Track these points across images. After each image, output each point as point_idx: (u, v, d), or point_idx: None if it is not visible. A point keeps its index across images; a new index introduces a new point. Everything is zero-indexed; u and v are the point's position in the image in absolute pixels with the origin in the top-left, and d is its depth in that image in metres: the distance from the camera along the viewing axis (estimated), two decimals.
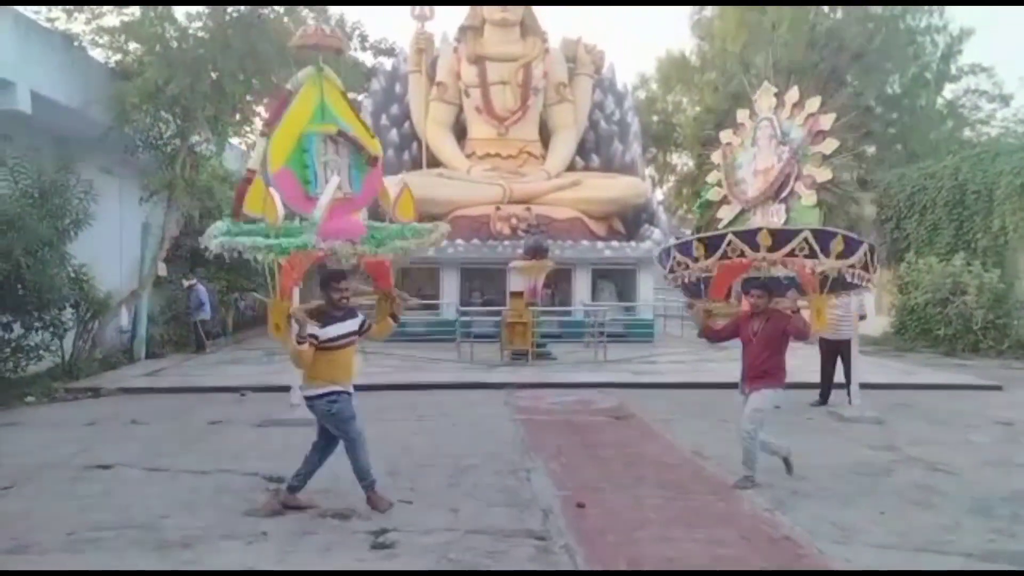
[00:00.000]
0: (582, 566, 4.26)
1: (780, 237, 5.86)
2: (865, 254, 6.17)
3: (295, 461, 6.18)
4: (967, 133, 24.34)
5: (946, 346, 14.81)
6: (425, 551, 4.45)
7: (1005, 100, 25.77)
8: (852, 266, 6.13)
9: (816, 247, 5.81)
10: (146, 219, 13.69)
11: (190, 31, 12.56)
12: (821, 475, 6.15)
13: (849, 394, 8.80)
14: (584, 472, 6.23)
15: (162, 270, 13.84)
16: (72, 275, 10.82)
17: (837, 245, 5.90)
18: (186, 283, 14.38)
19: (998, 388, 10.61)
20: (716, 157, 11.77)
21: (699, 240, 6.18)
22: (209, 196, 13.70)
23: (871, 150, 25.07)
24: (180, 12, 12.61)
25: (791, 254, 5.82)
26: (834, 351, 9.16)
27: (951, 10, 23.76)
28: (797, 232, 5.92)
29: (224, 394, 10.02)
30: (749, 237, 5.87)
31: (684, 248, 6.30)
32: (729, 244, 5.85)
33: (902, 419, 8.48)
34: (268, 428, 7.89)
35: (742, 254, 5.84)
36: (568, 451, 6.96)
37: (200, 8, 12.60)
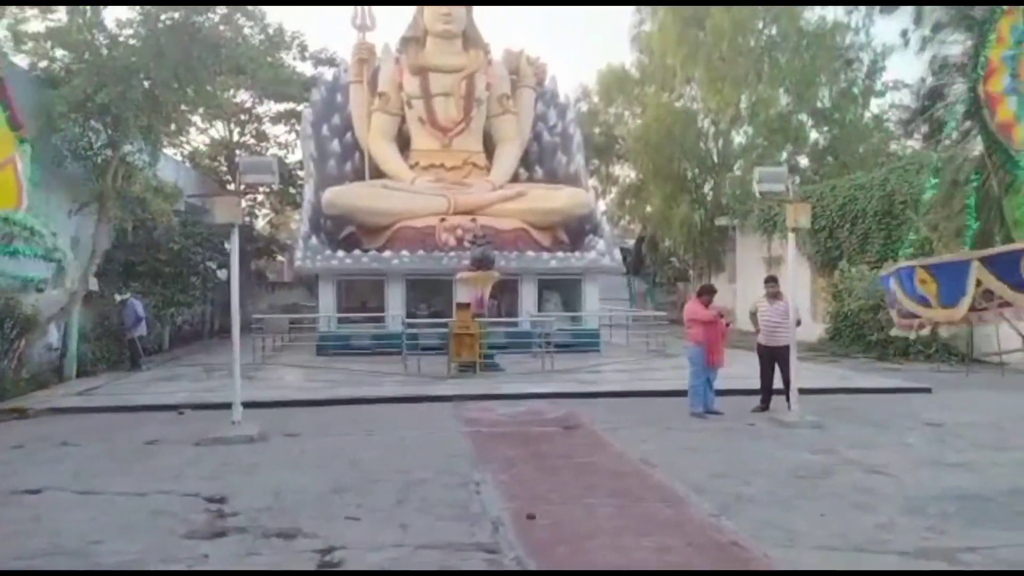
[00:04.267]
0: None
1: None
2: None
3: (235, 481, 6.02)
4: (893, 146, 25.42)
5: (878, 351, 15.36)
6: (374, 568, 4.37)
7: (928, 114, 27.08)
8: None
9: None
10: (75, 232, 13.15)
11: (121, 38, 12.16)
12: (764, 480, 6.28)
13: (788, 400, 9.04)
14: (534, 483, 6.22)
15: (93, 285, 13.31)
16: None
17: None
18: (119, 297, 13.85)
19: (928, 391, 11.06)
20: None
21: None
22: (142, 207, 13.26)
23: (804, 162, 26.03)
24: (110, 18, 12.22)
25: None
26: (772, 357, 9.40)
27: (875, 28, 24.90)
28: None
29: (161, 412, 9.66)
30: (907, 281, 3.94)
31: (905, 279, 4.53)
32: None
33: (840, 423, 8.74)
34: (207, 447, 7.63)
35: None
36: (518, 462, 6.94)
37: (131, 14, 12.24)
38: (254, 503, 5.58)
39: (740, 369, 10.57)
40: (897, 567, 4.35)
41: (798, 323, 9.45)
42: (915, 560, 4.44)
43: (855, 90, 25.05)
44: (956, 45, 10.58)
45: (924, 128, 12.11)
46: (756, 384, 9.62)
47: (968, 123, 9.93)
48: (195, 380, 12.52)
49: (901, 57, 27.24)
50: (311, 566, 4.40)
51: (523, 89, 20.09)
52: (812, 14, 24.52)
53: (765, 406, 9.42)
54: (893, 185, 16.68)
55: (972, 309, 4.06)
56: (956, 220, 11.29)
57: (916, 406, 9.92)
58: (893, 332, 4.89)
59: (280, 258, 29.94)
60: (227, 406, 8.36)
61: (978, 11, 9.23)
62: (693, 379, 9.26)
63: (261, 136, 26.30)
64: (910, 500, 5.62)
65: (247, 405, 8.56)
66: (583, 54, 62.98)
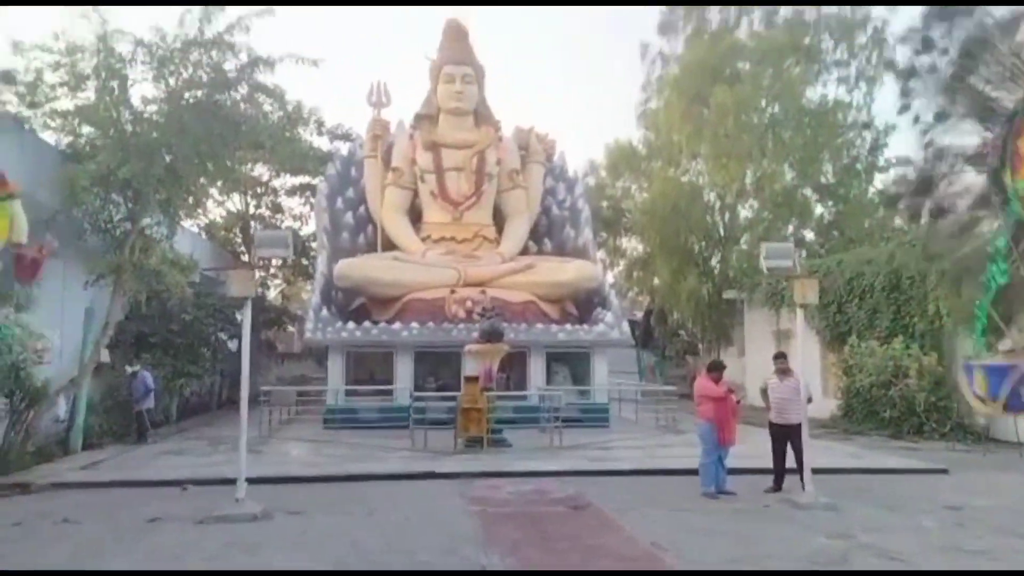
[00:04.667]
0: None
1: None
2: None
3: (237, 562, 5.93)
4: (898, 221, 25.63)
5: (892, 428, 15.11)
6: None
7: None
8: None
9: None
10: (90, 303, 13.31)
11: (145, 115, 12.59)
12: (778, 566, 6.12)
13: (802, 480, 8.86)
14: (541, 567, 6.08)
15: (104, 356, 13.38)
16: (11, 363, 10.37)
17: None
18: (130, 369, 13.89)
19: (944, 472, 10.82)
20: None
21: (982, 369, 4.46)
22: (158, 279, 13.46)
23: (810, 236, 26.24)
24: (136, 96, 12.68)
25: None
26: (784, 435, 9.27)
27: (876, 108, 25.46)
28: None
29: (165, 488, 9.55)
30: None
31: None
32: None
33: (855, 505, 8.55)
34: (210, 525, 7.52)
35: None
36: (525, 545, 6.80)
37: (156, 92, 12.69)
38: None
39: (752, 447, 10.41)
40: None
41: (809, 400, 9.36)
42: None
43: (858, 166, 25.45)
44: (970, 135, 10.25)
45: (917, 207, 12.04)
46: (768, 463, 9.46)
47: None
48: (201, 454, 12.42)
49: (904, 134, 27.86)
50: None
51: (533, 164, 20.54)
52: (814, 92, 25.20)
53: (778, 487, 9.24)
54: (900, 260, 16.74)
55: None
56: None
57: (933, 488, 9.70)
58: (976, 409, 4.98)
59: (291, 328, 30.08)
60: (232, 482, 8.28)
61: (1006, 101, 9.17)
62: (704, 457, 9.12)
63: (276, 208, 26.83)
64: None
65: (252, 481, 8.47)
66: (591, 130, 64.57)
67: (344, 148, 23.08)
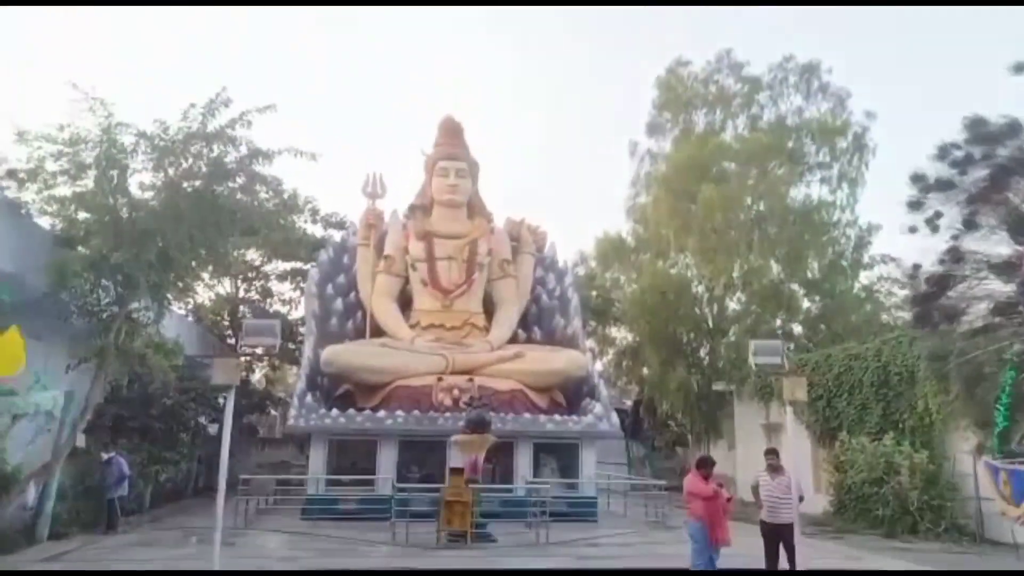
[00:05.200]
0: None
1: None
2: None
3: None
4: (884, 317, 25.92)
5: (886, 527, 14.76)
6: None
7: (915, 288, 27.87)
8: None
9: None
10: (70, 386, 13.08)
11: (142, 202, 12.75)
12: None
13: None
14: None
15: (81, 441, 13.04)
16: None
17: None
18: (104, 455, 13.51)
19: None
20: None
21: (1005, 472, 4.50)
22: (141, 363, 13.30)
23: (797, 329, 26.42)
24: (134, 183, 12.87)
25: None
26: (776, 535, 9.03)
27: (860, 207, 26.21)
28: None
29: None
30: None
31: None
32: None
33: None
34: None
35: None
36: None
37: (154, 180, 12.90)
38: None
39: (744, 547, 10.08)
40: None
41: (800, 499, 9.17)
42: None
43: (843, 263, 25.95)
44: (998, 245, 10.48)
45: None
46: (760, 562, 9.17)
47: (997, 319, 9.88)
48: (172, 546, 11.94)
49: (886, 233, 28.70)
50: None
51: (523, 255, 20.85)
52: (798, 192, 25.98)
53: None
54: (887, 356, 16.82)
55: None
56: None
57: None
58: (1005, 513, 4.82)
59: (273, 412, 29.57)
60: None
61: None
62: (695, 557, 8.83)
63: (266, 292, 26.89)
64: None
65: None
66: (581, 223, 65.93)
67: (337, 235, 23.40)
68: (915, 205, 10.56)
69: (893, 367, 16.50)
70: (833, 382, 18.09)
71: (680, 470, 25.94)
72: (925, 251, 11.06)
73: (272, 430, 30.00)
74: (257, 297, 26.67)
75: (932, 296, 10.77)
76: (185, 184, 12.69)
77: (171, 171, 12.70)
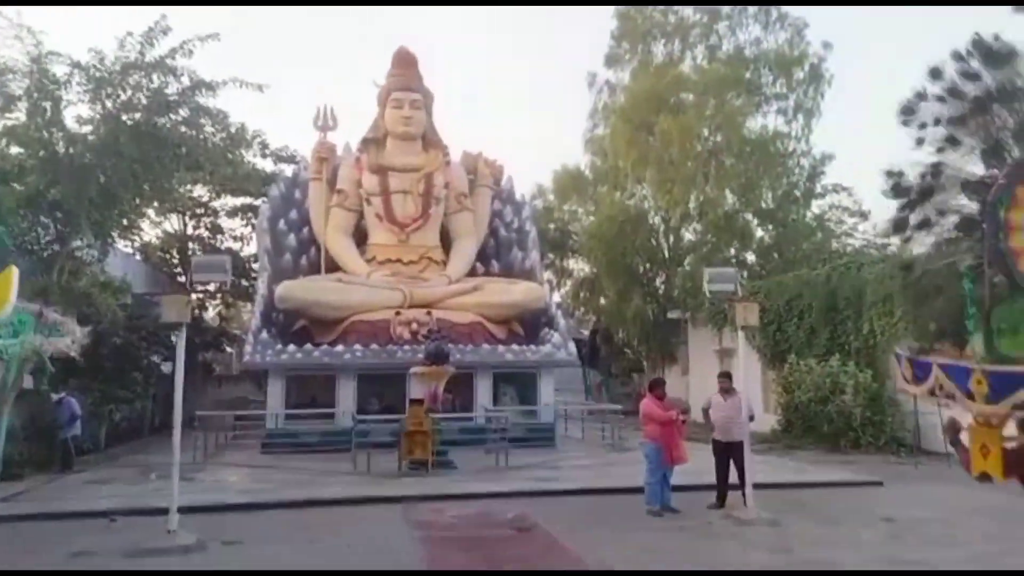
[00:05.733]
0: None
1: (1002, 382, 4.07)
2: None
3: None
4: (835, 244, 26.57)
5: (830, 442, 15.49)
6: None
7: (864, 215, 28.58)
8: None
9: None
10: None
11: (79, 136, 12.17)
12: None
13: (744, 496, 8.97)
14: None
15: (27, 382, 12.70)
16: None
17: None
18: (55, 396, 13.24)
19: (879, 484, 11.11)
20: None
21: (907, 359, 4.72)
22: (88, 303, 12.92)
23: (751, 258, 26.95)
24: (71, 116, 12.26)
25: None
26: (727, 453, 9.38)
27: (815, 137, 26.51)
28: None
29: (91, 520, 9.07)
30: (959, 377, 4.24)
31: (957, 376, 4.24)
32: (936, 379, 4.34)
33: (796, 519, 8.68)
34: (140, 559, 7.17)
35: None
36: (472, 570, 6.67)
37: (92, 114, 12.30)
38: None
39: (694, 464, 10.47)
40: None
41: (751, 418, 9.50)
42: None
43: (796, 192, 26.34)
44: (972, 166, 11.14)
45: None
46: (711, 479, 9.55)
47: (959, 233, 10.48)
48: (130, 483, 11.87)
49: (839, 163, 29.21)
50: None
51: (480, 188, 20.57)
52: (755, 123, 26.06)
53: (721, 503, 9.32)
54: (836, 282, 17.30)
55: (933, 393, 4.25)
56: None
57: (869, 500, 9.94)
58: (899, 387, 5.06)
59: (229, 350, 29.27)
60: (163, 511, 7.91)
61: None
62: (649, 476, 9.15)
63: (216, 229, 26.19)
64: None
65: (185, 510, 8.11)
66: (538, 155, 65.28)
67: (288, 170, 22.77)
68: (908, 111, 10.84)
69: (841, 292, 16.99)
70: (784, 308, 18.59)
71: (636, 395, 26.66)
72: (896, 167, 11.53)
73: (228, 368, 29.74)
74: (207, 234, 25.99)
75: (911, 205, 11.21)
76: (125, 117, 12.15)
77: (109, 103, 12.12)
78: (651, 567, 6.57)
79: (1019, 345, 4.40)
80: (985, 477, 4.26)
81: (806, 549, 7.24)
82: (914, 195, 5.65)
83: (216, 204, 25.68)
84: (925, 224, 5.23)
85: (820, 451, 15.17)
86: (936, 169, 5.78)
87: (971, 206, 5.24)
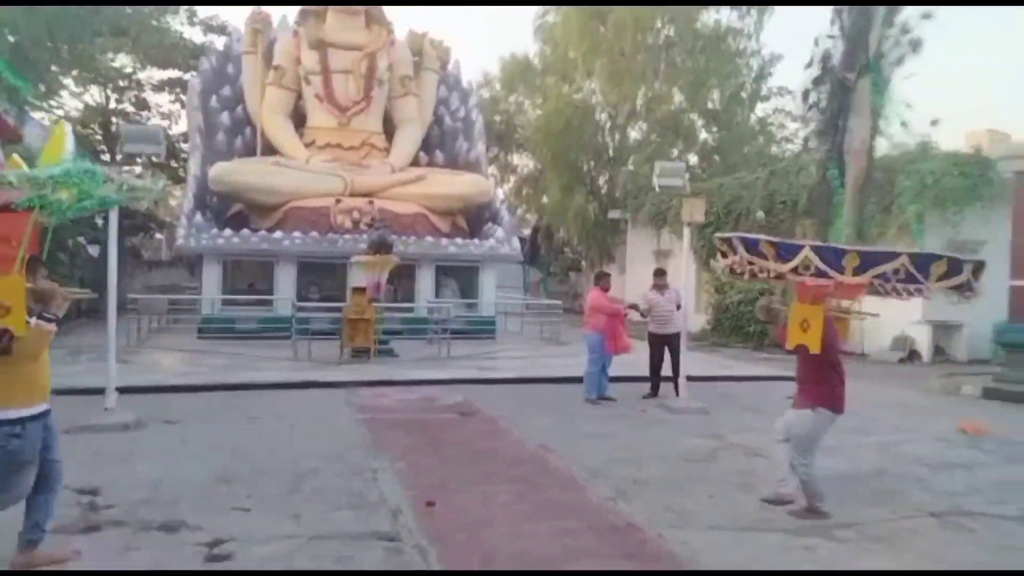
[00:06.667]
0: (435, 566, 4.18)
1: (871, 259, 5.05)
2: (970, 274, 5.15)
3: (109, 471, 5.64)
4: (775, 149, 26.94)
5: (755, 341, 16.26)
6: (266, 560, 4.17)
7: (805, 121, 28.88)
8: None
9: (914, 271, 5.02)
10: None
11: None
12: (656, 464, 6.49)
13: (677, 386, 9.40)
14: (433, 471, 6.14)
15: None
16: None
17: (939, 267, 5.08)
18: None
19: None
20: None
21: (769, 242, 5.33)
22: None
23: (693, 160, 27.13)
24: None
25: (881, 277, 5.04)
26: (663, 344, 9.73)
27: (765, 35, 26.29)
28: (894, 255, 5.06)
29: None
30: (832, 257, 5.03)
31: (750, 243, 5.43)
32: (804, 259, 5.02)
33: (723, 409, 9.17)
34: (77, 435, 7.05)
35: (820, 273, 5.00)
36: (415, 450, 6.84)
37: None
38: (131, 495, 5.21)
39: (627, 357, 10.84)
40: (780, 545, 4.59)
41: (678, 307, 9.73)
42: (796, 537, 4.70)
43: (743, 94, 26.32)
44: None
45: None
46: (643, 371, 9.93)
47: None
48: (62, 363, 11.53)
49: (785, 65, 29.22)
50: (197, 560, 4.15)
51: (426, 72, 19.79)
52: (708, 16, 25.53)
53: (654, 392, 9.75)
54: (774, 186, 17.66)
55: (796, 272, 5.05)
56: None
57: (789, 393, 10.52)
58: (717, 264, 5.63)
59: (159, 236, 28.19)
60: (99, 391, 7.76)
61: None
62: (591, 366, 9.45)
63: (142, 104, 24.52)
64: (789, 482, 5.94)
65: (121, 391, 7.97)
66: (486, 40, 62.82)
67: (219, 42, 21.29)
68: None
69: (779, 196, 17.39)
70: (723, 210, 18.93)
71: (573, 294, 27.21)
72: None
73: (158, 253, 28.76)
74: (132, 109, 24.32)
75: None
76: None
77: None
78: (590, 452, 6.86)
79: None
80: (801, 349, 5.15)
81: (733, 435, 7.69)
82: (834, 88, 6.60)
83: (142, 76, 23.93)
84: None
85: (746, 349, 15.93)
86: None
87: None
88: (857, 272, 5.01)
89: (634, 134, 26.63)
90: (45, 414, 4.02)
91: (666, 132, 25.18)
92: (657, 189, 9.75)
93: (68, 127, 5.46)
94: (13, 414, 3.80)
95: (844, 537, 4.73)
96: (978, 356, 14.25)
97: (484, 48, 64.93)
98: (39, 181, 3.82)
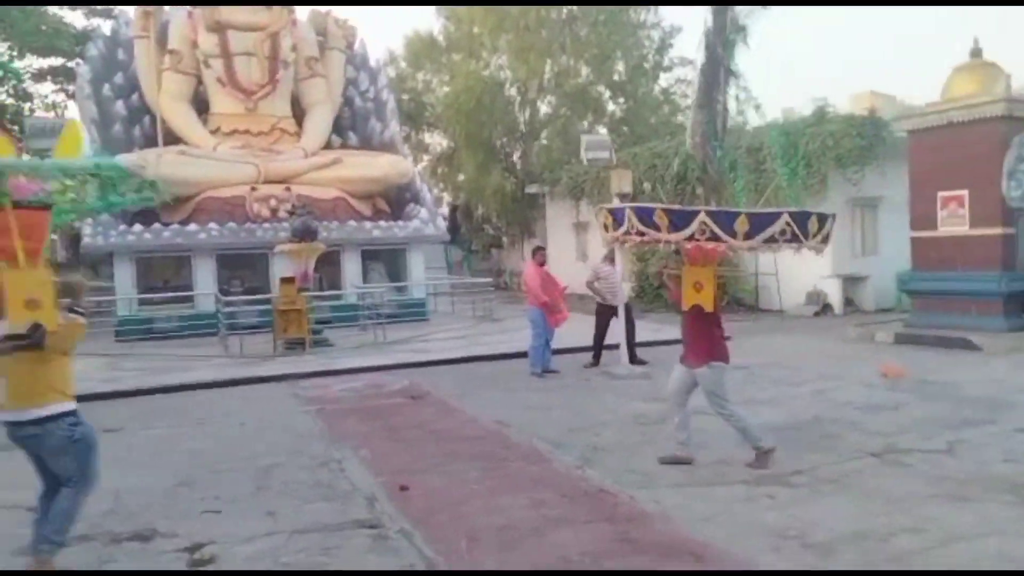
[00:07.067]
0: (422, 547, 4.24)
1: (758, 222, 5.26)
2: (830, 227, 5.60)
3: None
4: (680, 118, 27.73)
5: (678, 307, 16.88)
6: (252, 560, 4.12)
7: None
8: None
9: (797, 230, 5.29)
10: None
11: None
12: (612, 430, 6.74)
13: (634, 352, 9.78)
14: (396, 455, 6.17)
15: None
16: None
17: (813, 225, 5.40)
18: None
19: (728, 339, 12.33)
20: None
21: (663, 211, 5.45)
22: None
23: (603, 131, 27.63)
24: None
25: (771, 240, 5.30)
26: (611, 315, 10.01)
27: (664, 8, 26.94)
28: (777, 216, 5.30)
29: None
30: (725, 221, 5.22)
31: (644, 214, 5.51)
32: (701, 224, 5.18)
33: (664, 372, 9.47)
34: (12, 452, 6.63)
35: (714, 237, 5.20)
36: (373, 436, 6.83)
37: None
38: (91, 508, 4.93)
39: (563, 328, 11.10)
40: (744, 495, 4.89)
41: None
42: (756, 487, 5.03)
43: (646, 65, 26.92)
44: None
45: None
46: (582, 342, 10.19)
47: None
48: None
49: (686, 35, 30.14)
50: (180, 566, 4.07)
51: (332, 52, 19.25)
52: None
53: (596, 362, 10.04)
54: (685, 155, 18.24)
55: (693, 239, 5.25)
56: None
57: None
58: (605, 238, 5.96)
59: (53, 236, 26.42)
60: None
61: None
62: (534, 340, 9.62)
63: (22, 96, 22.79)
64: (736, 436, 6.28)
65: None
66: (387, 17, 61.34)
67: (106, 26, 19.99)
68: None
69: (691, 163, 17.97)
70: (637, 180, 19.42)
71: (496, 271, 27.36)
72: None
73: (54, 253, 26.95)
74: (11, 100, 22.58)
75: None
76: None
77: None
78: (547, 424, 7.05)
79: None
80: (696, 308, 5.74)
81: None
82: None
83: (20, 65, 22.21)
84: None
85: (669, 314, 16.50)
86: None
87: None
88: (748, 236, 5.26)
89: (544, 108, 26.86)
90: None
91: (575, 105, 25.51)
92: (585, 162, 9.96)
93: (81, 125, 5.29)
94: (68, 406, 3.97)
95: (799, 482, 5.10)
96: (883, 306, 15.33)
97: (386, 26, 63.44)
98: (71, 170, 3.84)
